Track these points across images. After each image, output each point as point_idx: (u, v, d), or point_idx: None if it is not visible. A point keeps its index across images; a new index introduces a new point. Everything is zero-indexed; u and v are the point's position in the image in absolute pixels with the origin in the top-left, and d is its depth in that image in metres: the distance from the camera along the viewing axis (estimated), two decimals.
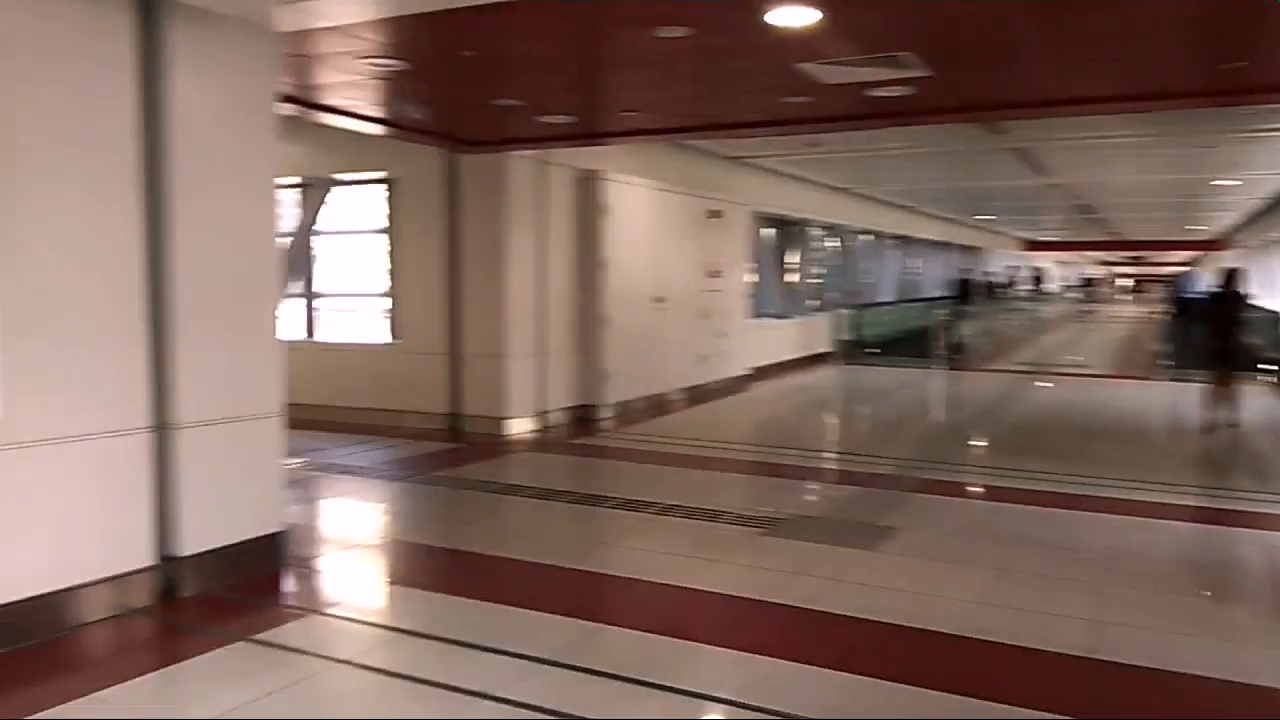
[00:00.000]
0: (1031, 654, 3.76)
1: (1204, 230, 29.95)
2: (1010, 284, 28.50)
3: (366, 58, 5.51)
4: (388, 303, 9.82)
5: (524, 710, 3.15)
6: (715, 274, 12.20)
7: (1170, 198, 18.93)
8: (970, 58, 5.63)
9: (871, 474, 7.34)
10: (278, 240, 4.61)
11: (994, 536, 5.48)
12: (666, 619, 4.17)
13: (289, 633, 3.79)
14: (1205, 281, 25.62)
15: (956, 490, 6.78)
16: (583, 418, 9.78)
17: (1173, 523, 5.96)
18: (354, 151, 9.47)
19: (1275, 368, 14.01)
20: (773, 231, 17.44)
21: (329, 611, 4.08)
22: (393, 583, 4.70)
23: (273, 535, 4.52)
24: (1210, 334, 9.42)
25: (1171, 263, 51.80)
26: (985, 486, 7.00)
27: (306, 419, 9.50)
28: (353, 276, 10.55)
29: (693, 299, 11.75)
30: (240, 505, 4.36)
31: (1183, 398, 12.12)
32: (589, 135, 8.31)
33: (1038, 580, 4.71)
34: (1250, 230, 25.08)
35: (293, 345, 10.37)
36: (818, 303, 18.37)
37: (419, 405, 9.22)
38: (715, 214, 12.12)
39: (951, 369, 15.50)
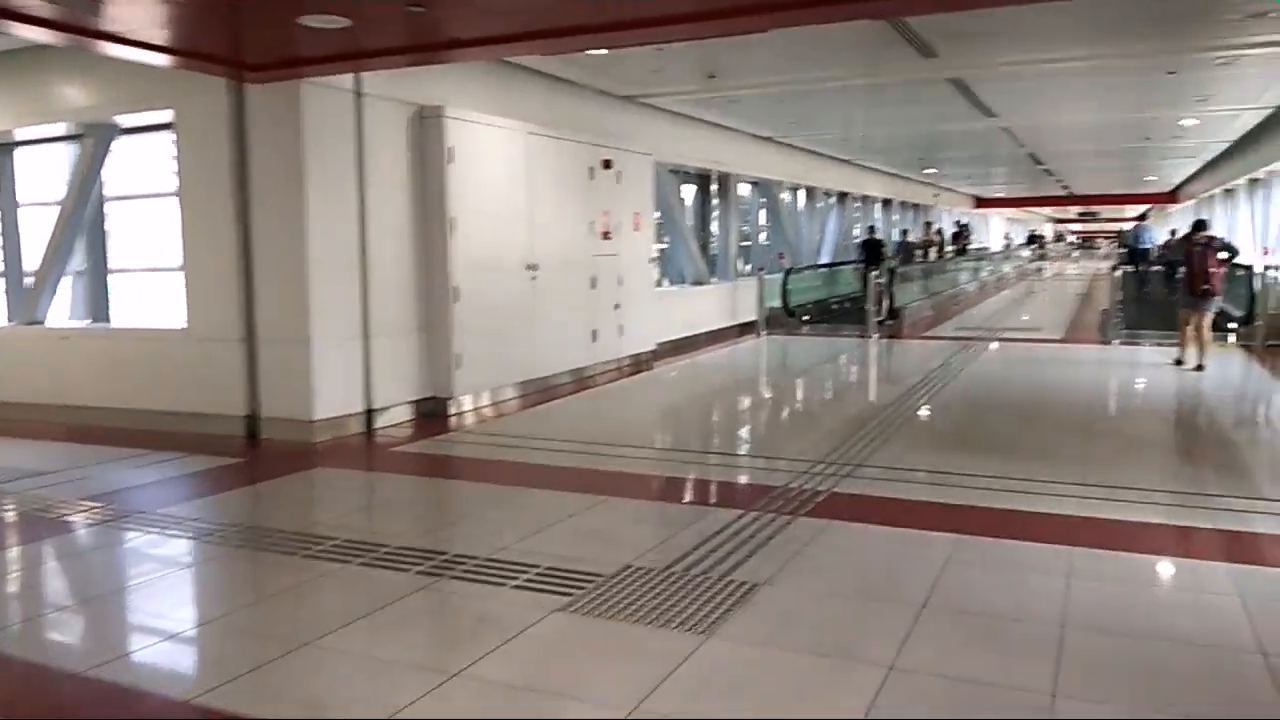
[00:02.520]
0: None
1: (1156, 182, 28.70)
2: (928, 244, 23.43)
3: None
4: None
5: None
6: (608, 235, 10.39)
7: (1125, 143, 17.42)
8: None
9: (760, 486, 5.65)
10: None
11: (900, 596, 3.79)
12: None
13: None
14: (1156, 235, 24.37)
15: (864, 509, 5.10)
16: (430, 412, 7.97)
17: (1157, 560, 4.33)
18: (133, 88, 7.50)
19: (1236, 326, 12.65)
20: (691, 188, 15.69)
21: None
22: None
23: None
24: (1187, 274, 10.04)
25: (1123, 219, 51.01)
26: (902, 501, 5.31)
27: (74, 424, 7.65)
28: (155, 247, 8.58)
29: (579, 265, 9.94)
30: None
31: (1141, 363, 10.63)
32: (387, 52, 6.41)
33: (956, 691, 3.02)
34: (1207, 179, 23.76)
35: (64, 334, 8.49)
36: (746, 267, 16.70)
37: (211, 405, 7.31)
38: (607, 164, 10.29)
39: (886, 338, 13.90)
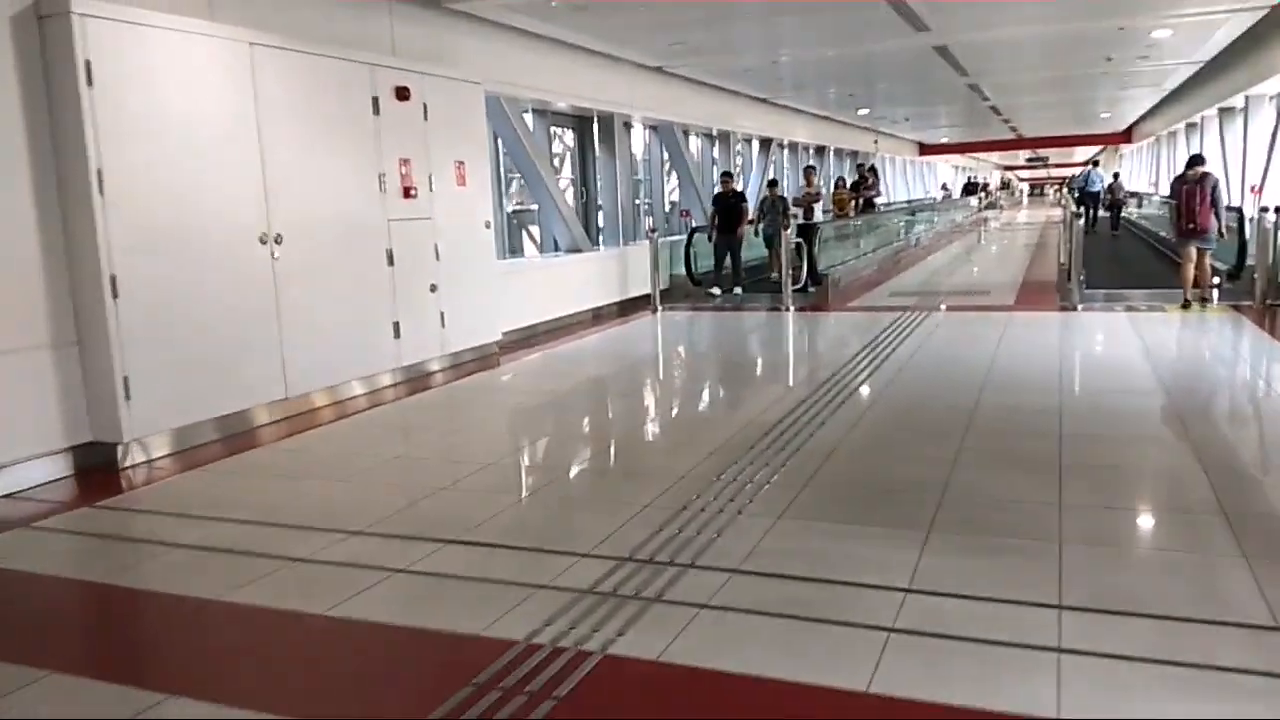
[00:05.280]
0: None
1: (1109, 120, 26.48)
2: (810, 198, 14.96)
3: None
4: None
5: None
6: (412, 193, 7.67)
7: (1082, 68, 14.97)
8: None
9: (485, 643, 3.03)
10: None
11: None
12: None
13: None
14: (1104, 179, 22.47)
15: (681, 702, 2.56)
16: (98, 465, 5.28)
17: None
18: None
19: (1220, 281, 10.33)
20: (570, 135, 12.97)
21: None
22: None
23: None
24: (1178, 214, 9.62)
25: (1072, 164, 49.25)
26: (735, 684, 2.74)
27: None
28: None
29: (364, 234, 7.24)
30: None
31: (1117, 337, 8.22)
32: None
33: None
34: (1169, 113, 21.49)
35: None
36: (648, 229, 14.02)
37: None
38: (402, 94, 7.54)
39: (806, 309, 11.36)
